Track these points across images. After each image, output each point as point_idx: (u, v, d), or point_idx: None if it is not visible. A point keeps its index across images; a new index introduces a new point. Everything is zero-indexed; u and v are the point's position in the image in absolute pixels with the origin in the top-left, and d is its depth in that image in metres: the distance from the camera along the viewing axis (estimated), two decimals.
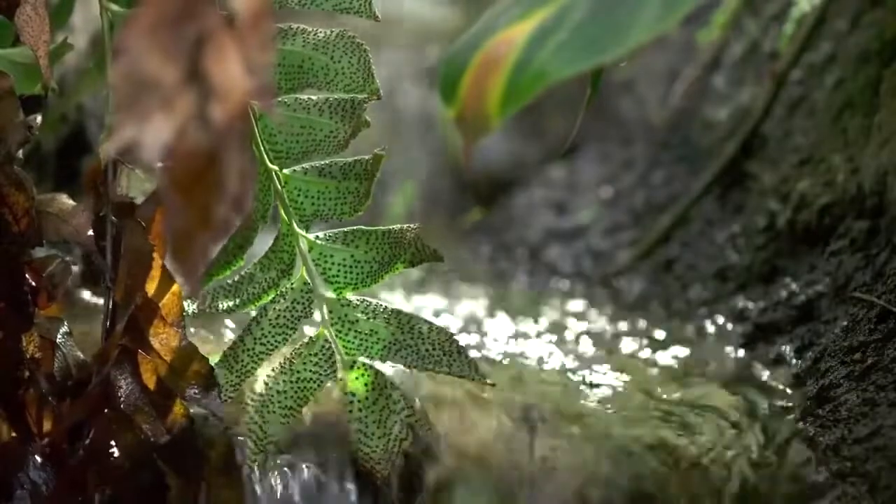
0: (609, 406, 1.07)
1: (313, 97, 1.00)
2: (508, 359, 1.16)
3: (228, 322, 1.13)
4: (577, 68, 0.75)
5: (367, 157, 1.00)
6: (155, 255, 0.94)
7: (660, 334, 1.28)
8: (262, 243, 1.02)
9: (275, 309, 0.99)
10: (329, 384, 0.98)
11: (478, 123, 0.77)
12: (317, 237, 1.01)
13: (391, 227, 1.00)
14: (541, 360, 1.16)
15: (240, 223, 0.94)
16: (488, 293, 1.42)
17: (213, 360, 0.97)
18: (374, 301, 0.99)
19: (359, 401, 0.97)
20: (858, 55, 1.29)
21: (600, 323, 1.31)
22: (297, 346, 0.98)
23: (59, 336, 0.96)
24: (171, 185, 0.68)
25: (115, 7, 1.00)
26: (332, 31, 1.00)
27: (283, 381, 0.97)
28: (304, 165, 1.01)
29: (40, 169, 1.31)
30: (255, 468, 0.96)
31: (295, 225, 1.00)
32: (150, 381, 0.94)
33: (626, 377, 1.13)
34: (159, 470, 0.93)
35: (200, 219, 0.69)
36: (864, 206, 1.20)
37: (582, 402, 1.07)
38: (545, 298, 1.42)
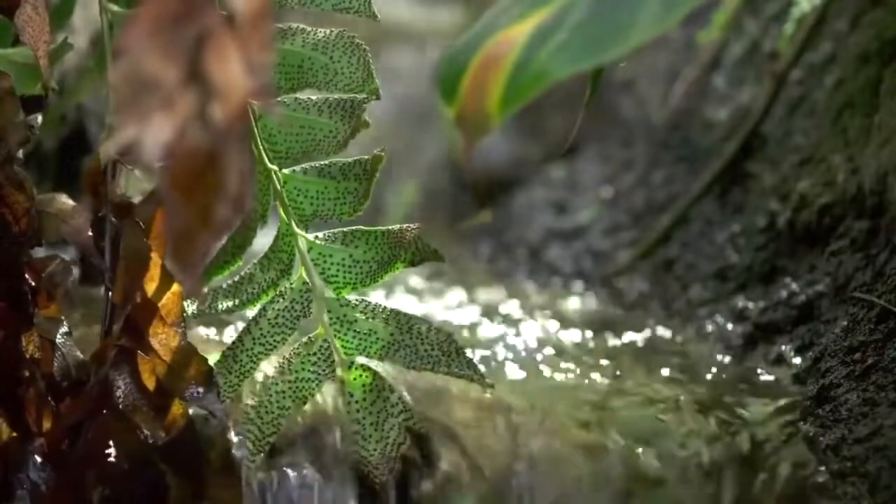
0: (608, 405, 1.07)
1: (313, 97, 1.00)
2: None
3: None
4: (577, 68, 0.75)
5: (366, 158, 1.00)
6: (154, 255, 0.94)
7: (660, 333, 1.28)
8: (261, 244, 1.02)
9: (273, 309, 0.99)
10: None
11: (478, 123, 0.77)
12: (316, 237, 1.01)
13: (391, 227, 1.00)
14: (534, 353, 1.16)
15: (239, 223, 0.94)
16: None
17: (213, 360, 0.97)
18: (372, 301, 0.99)
19: (356, 402, 0.97)
20: (858, 55, 1.29)
21: (600, 320, 1.32)
22: (295, 346, 0.98)
23: (58, 336, 0.95)
24: (171, 184, 0.68)
25: (115, 7, 0.99)
26: (331, 31, 1.00)
27: (282, 380, 0.97)
28: (303, 165, 1.01)
29: (40, 169, 1.32)
30: (254, 468, 0.96)
31: (294, 225, 1.00)
32: (149, 382, 0.94)
33: (625, 375, 1.13)
34: (158, 470, 0.93)
35: (200, 219, 0.69)
36: (864, 206, 1.20)
37: (582, 400, 1.07)
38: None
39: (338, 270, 1.00)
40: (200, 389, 0.94)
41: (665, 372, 1.16)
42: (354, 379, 0.98)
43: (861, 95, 1.26)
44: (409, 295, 1.38)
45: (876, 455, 1.00)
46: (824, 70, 1.34)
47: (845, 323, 1.13)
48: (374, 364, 0.98)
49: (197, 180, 0.68)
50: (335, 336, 0.99)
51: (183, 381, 0.94)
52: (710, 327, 1.27)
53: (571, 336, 1.25)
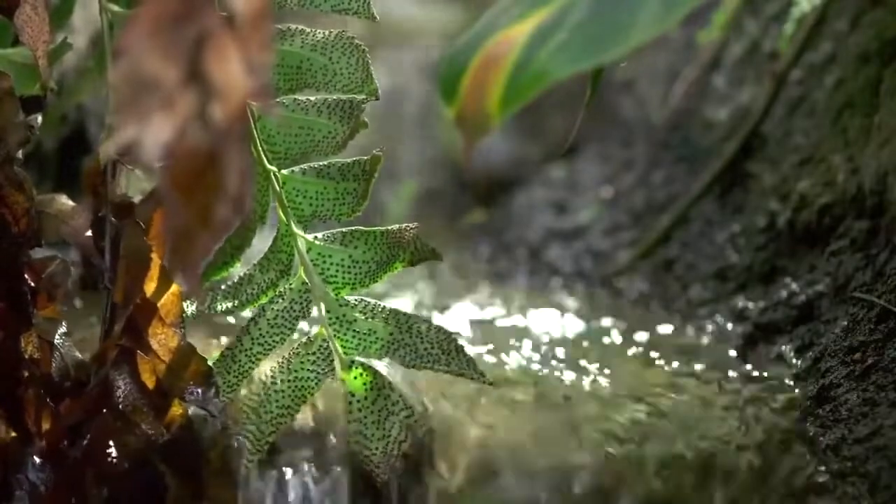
0: (609, 406, 1.07)
1: (311, 98, 1.00)
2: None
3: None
4: (577, 68, 0.75)
5: (365, 158, 1.00)
6: (153, 255, 0.94)
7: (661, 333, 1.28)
8: (262, 244, 1.02)
9: (273, 309, 0.99)
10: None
11: (478, 123, 0.77)
12: (315, 237, 1.01)
13: (390, 227, 1.00)
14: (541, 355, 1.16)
15: (238, 224, 0.94)
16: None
17: (212, 360, 0.97)
18: (372, 301, 0.99)
19: (358, 401, 0.97)
20: (858, 55, 1.29)
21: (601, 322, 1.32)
22: (295, 346, 0.98)
23: (57, 337, 0.95)
24: (171, 184, 0.68)
25: (114, 7, 0.99)
26: (330, 32, 1.00)
27: (281, 380, 0.97)
28: (302, 166, 1.01)
29: (40, 169, 1.32)
30: (253, 468, 0.96)
31: (293, 225, 1.00)
32: (149, 382, 0.94)
33: (625, 376, 1.13)
34: (158, 470, 0.93)
35: (200, 219, 0.69)
36: (864, 206, 1.20)
37: (583, 401, 1.07)
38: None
39: (337, 271, 1.00)
40: (200, 389, 0.94)
41: (665, 370, 1.16)
42: (355, 378, 0.98)
43: (861, 95, 1.26)
44: None
45: (876, 455, 1.00)
46: (824, 70, 1.34)
47: (845, 323, 1.13)
48: (374, 363, 0.98)
49: (197, 180, 0.68)
50: (335, 336, 0.99)
51: (182, 382, 0.94)
52: (710, 327, 1.27)
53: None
